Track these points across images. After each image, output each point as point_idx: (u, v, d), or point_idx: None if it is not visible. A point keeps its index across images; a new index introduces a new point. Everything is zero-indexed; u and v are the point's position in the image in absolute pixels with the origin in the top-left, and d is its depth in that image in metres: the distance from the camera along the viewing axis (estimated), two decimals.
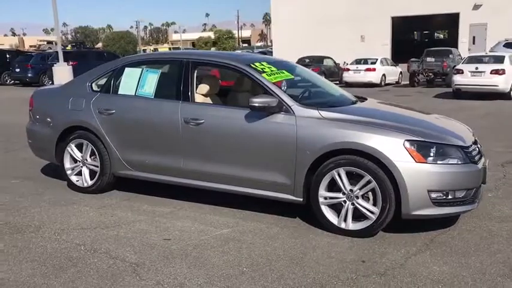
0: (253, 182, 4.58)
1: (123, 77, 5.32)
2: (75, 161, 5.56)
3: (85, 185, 5.49)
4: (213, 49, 62.21)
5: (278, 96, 4.48)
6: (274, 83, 4.65)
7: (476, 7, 29.86)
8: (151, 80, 5.14)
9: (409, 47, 35.53)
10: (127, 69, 5.34)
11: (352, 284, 3.37)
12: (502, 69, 15.03)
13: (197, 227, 4.48)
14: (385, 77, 22.91)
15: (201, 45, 61.98)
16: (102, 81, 5.52)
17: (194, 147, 4.80)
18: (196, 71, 5.02)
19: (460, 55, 22.60)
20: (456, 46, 28.98)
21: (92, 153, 5.41)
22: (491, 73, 15.12)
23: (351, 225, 4.21)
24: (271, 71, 4.88)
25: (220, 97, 5.53)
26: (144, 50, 53.53)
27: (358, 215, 4.21)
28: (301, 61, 23.21)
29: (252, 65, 4.84)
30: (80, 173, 5.55)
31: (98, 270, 3.59)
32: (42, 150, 5.83)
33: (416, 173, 3.96)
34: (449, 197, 4.05)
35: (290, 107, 4.43)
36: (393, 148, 4.00)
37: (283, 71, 5.04)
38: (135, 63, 5.38)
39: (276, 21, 36.86)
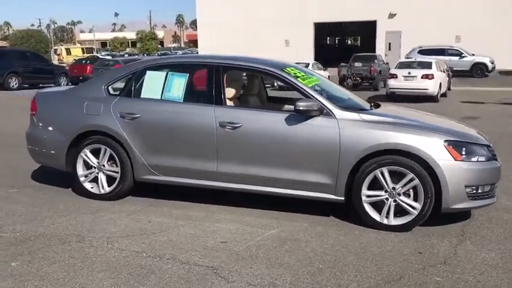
0: (293, 183, 4.73)
1: (146, 81, 5.22)
2: (88, 167, 5.35)
3: (102, 191, 5.31)
4: (128, 50, 60.64)
5: (318, 100, 4.68)
6: (311, 88, 4.85)
7: (391, 16, 32.02)
8: (179, 84, 5.10)
9: (329, 52, 37.12)
10: (149, 73, 5.25)
11: (426, 273, 3.66)
12: (431, 74, 16.34)
13: (244, 228, 4.55)
14: None
15: (116, 45, 60.06)
16: (120, 85, 5.37)
17: (231, 151, 4.85)
18: (226, 75, 5.07)
19: (383, 60, 24.09)
20: (374, 51, 30.80)
21: (110, 159, 5.25)
22: (422, 78, 16.37)
23: (393, 221, 4.51)
24: (302, 75, 5.07)
25: (240, 101, 5.61)
26: (56, 50, 50.76)
27: (397, 211, 4.52)
28: None
29: (286, 70, 5.00)
30: (94, 180, 5.35)
31: (181, 276, 3.56)
32: (49, 157, 5.54)
33: (455, 170, 4.35)
34: (479, 191, 4.49)
35: (331, 110, 4.65)
36: (435, 147, 4.37)
37: (310, 76, 5.24)
38: (158, 67, 5.30)
39: (202, 24, 36.86)
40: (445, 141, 4.41)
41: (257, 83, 5.96)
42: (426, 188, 4.36)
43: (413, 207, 4.44)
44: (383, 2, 31.47)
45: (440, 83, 17.03)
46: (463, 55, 27.17)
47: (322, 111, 4.64)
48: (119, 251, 4.01)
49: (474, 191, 4.46)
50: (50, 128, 5.46)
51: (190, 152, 4.98)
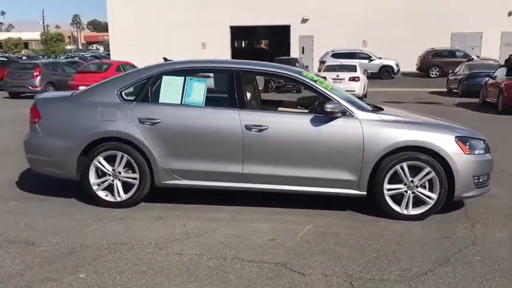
0: (319, 180, 5.02)
1: (163, 86, 5.22)
2: (100, 175, 5.22)
3: (118, 199, 5.21)
4: (24, 52, 56.90)
5: (340, 102, 5.02)
6: (331, 91, 5.18)
7: (304, 21, 33.40)
8: (199, 88, 5.17)
9: (245, 55, 37.73)
10: (166, 78, 5.24)
11: (465, 254, 4.13)
12: (357, 77, 17.49)
13: (280, 226, 4.75)
14: None
15: (10, 46, 56.04)
16: (135, 90, 5.30)
17: (257, 152, 5.02)
18: (245, 80, 5.24)
19: (303, 64, 25.12)
20: (288, 55, 31.97)
21: (126, 165, 5.17)
22: (349, 80, 17.45)
23: (412, 211, 4.97)
24: (318, 80, 5.39)
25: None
26: None
27: (414, 202, 4.99)
28: None
29: (303, 75, 5.28)
30: (107, 188, 5.23)
31: (259, 274, 3.70)
32: (55, 166, 5.30)
33: (465, 162, 4.91)
34: (481, 180, 5.10)
35: (352, 111, 5.01)
36: (448, 143, 4.90)
37: (321, 80, 5.56)
38: (175, 72, 5.30)
39: (113, 26, 35.59)
40: (456, 137, 4.96)
41: (255, 87, 6.17)
42: (441, 179, 4.87)
43: (429, 198, 4.93)
44: (296, 8, 32.72)
45: (364, 85, 18.23)
46: (371, 58, 29.14)
47: (345, 113, 4.98)
48: (178, 255, 4.03)
49: (477, 181, 5.05)
50: (58, 136, 5.23)
51: (215, 155, 5.07)
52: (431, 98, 20.31)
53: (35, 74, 18.77)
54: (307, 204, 5.32)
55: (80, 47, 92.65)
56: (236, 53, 36.25)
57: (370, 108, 5.30)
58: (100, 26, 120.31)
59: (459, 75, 21.93)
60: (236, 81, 5.16)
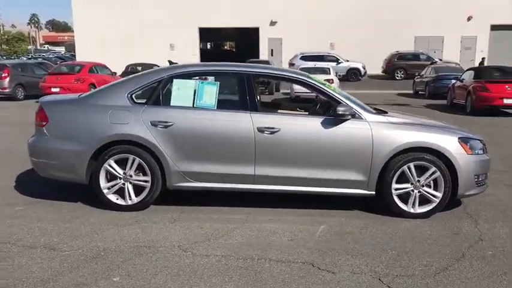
0: (329, 181, 5.16)
1: (174, 89, 5.24)
2: (110, 178, 5.19)
3: (129, 202, 5.20)
4: None
5: (349, 105, 5.18)
6: (340, 94, 5.33)
7: (272, 23, 33.66)
8: (211, 91, 5.22)
9: (214, 57, 37.70)
10: (176, 81, 5.27)
11: (476, 250, 4.35)
12: (331, 79, 17.78)
13: (296, 227, 4.85)
14: None
15: None
16: (145, 93, 5.29)
17: (269, 154, 5.11)
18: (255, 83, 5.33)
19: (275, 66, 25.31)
20: (256, 57, 32.18)
21: (137, 168, 5.17)
22: None
23: (418, 209, 5.18)
24: (325, 83, 5.53)
25: None
26: None
27: (420, 201, 5.19)
28: (132, 68, 22.90)
29: (311, 77, 5.41)
30: (117, 191, 5.21)
31: (290, 273, 3.79)
32: (64, 170, 5.23)
33: (467, 162, 5.16)
34: (480, 179, 5.36)
35: (361, 114, 5.18)
36: (452, 144, 5.13)
37: (328, 84, 5.71)
38: (186, 75, 5.33)
39: (79, 26, 34.79)
40: (459, 138, 5.20)
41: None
42: (446, 178, 5.10)
43: (435, 196, 5.15)
44: (265, 11, 32.94)
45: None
46: (339, 61, 29.70)
47: (354, 115, 5.14)
48: (205, 257, 4.08)
49: (477, 179, 5.31)
50: (67, 139, 5.17)
51: (228, 157, 5.13)
52: (400, 99, 20.91)
53: (3, 75, 18.19)
54: (316, 205, 5.45)
55: (39, 46, 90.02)
56: (203, 54, 36.18)
57: (375, 111, 5.48)
58: (59, 26, 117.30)
59: (426, 77, 22.69)
60: (247, 84, 5.24)
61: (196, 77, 5.35)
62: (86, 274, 3.70)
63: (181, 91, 5.24)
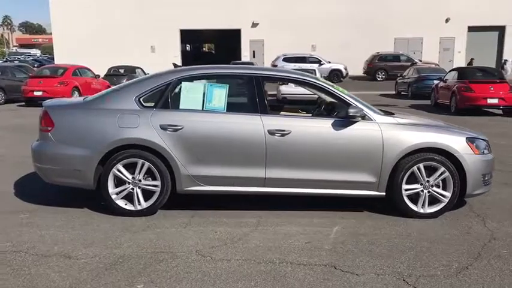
0: (341, 183, 5.17)
1: (183, 92, 5.19)
2: (117, 183, 5.10)
3: (138, 207, 5.12)
4: None
5: (359, 107, 5.20)
6: (350, 96, 5.34)
7: (254, 25, 33.68)
8: (220, 94, 5.18)
9: (196, 59, 37.55)
10: (185, 84, 5.22)
11: (491, 248, 4.41)
12: None
13: (309, 229, 4.84)
14: None
15: None
16: (153, 97, 5.22)
17: (280, 157, 5.09)
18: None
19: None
20: (236, 58, 32.17)
21: (146, 173, 5.09)
22: None
23: (428, 209, 5.23)
24: (333, 85, 5.53)
25: None
26: None
27: (429, 201, 5.24)
28: (115, 70, 22.66)
29: (322, 80, 5.42)
30: (126, 196, 5.12)
31: (313, 276, 3.78)
32: (71, 175, 5.12)
33: (476, 162, 5.23)
34: (486, 178, 5.44)
35: (371, 115, 5.20)
36: (460, 144, 5.20)
37: (337, 86, 5.72)
38: (194, 78, 5.29)
39: (57, 28, 34.19)
40: (467, 138, 5.26)
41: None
42: (454, 178, 5.16)
43: (444, 196, 5.21)
44: (247, 12, 32.96)
45: None
46: (321, 62, 29.84)
47: (364, 117, 5.17)
48: (226, 261, 4.03)
49: (484, 179, 5.39)
50: (74, 144, 5.06)
51: (238, 160, 5.10)
52: (384, 100, 21.12)
53: None
54: (325, 206, 5.46)
55: (13, 49, 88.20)
56: (182, 56, 35.95)
57: (383, 113, 5.51)
58: (33, 28, 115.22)
59: (408, 78, 22.99)
60: (257, 87, 5.22)
61: (205, 80, 5.30)
62: (108, 282, 3.62)
63: (190, 94, 5.19)
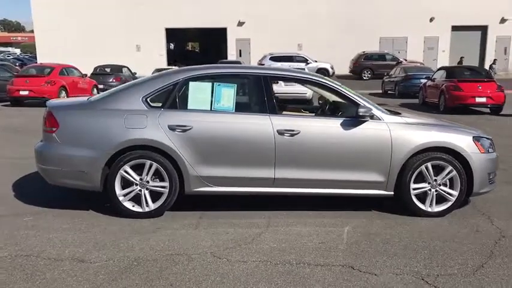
0: (350, 183, 5.17)
1: (191, 92, 5.13)
2: (124, 185, 5.02)
3: (146, 209, 5.04)
4: None
5: (367, 106, 5.20)
6: (358, 96, 5.34)
7: (240, 24, 33.59)
8: (228, 94, 5.13)
9: (182, 58, 37.37)
10: (192, 84, 5.16)
11: (503, 246, 4.45)
12: None
13: (320, 229, 4.83)
14: None
15: None
16: (160, 97, 5.14)
17: (289, 157, 5.07)
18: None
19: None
20: (226, 57, 32.08)
21: (154, 174, 5.02)
22: None
23: (435, 208, 5.26)
24: (341, 85, 5.52)
25: None
26: None
27: (437, 199, 5.27)
28: (101, 69, 22.39)
29: (329, 80, 5.41)
30: (133, 198, 5.04)
31: (332, 276, 3.76)
32: (76, 177, 5.02)
33: (481, 160, 5.27)
34: (491, 177, 5.49)
35: (379, 115, 5.21)
36: (467, 143, 5.23)
37: (344, 86, 5.71)
38: (201, 78, 5.22)
39: (39, 27, 33.61)
40: (473, 137, 5.30)
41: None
42: (461, 177, 5.20)
43: (451, 195, 5.24)
44: (233, 11, 32.87)
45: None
46: (308, 61, 29.90)
47: (373, 116, 5.17)
48: (242, 263, 3.99)
49: (489, 177, 5.44)
50: (80, 145, 4.96)
51: (247, 161, 5.06)
52: (372, 99, 20.97)
53: None
54: (333, 206, 5.46)
55: None
56: (167, 55, 35.69)
57: (390, 112, 5.52)
58: (11, 26, 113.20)
59: (395, 77, 23.18)
60: (265, 87, 5.19)
61: (212, 80, 5.24)
62: (127, 286, 3.56)
63: (198, 94, 5.13)
